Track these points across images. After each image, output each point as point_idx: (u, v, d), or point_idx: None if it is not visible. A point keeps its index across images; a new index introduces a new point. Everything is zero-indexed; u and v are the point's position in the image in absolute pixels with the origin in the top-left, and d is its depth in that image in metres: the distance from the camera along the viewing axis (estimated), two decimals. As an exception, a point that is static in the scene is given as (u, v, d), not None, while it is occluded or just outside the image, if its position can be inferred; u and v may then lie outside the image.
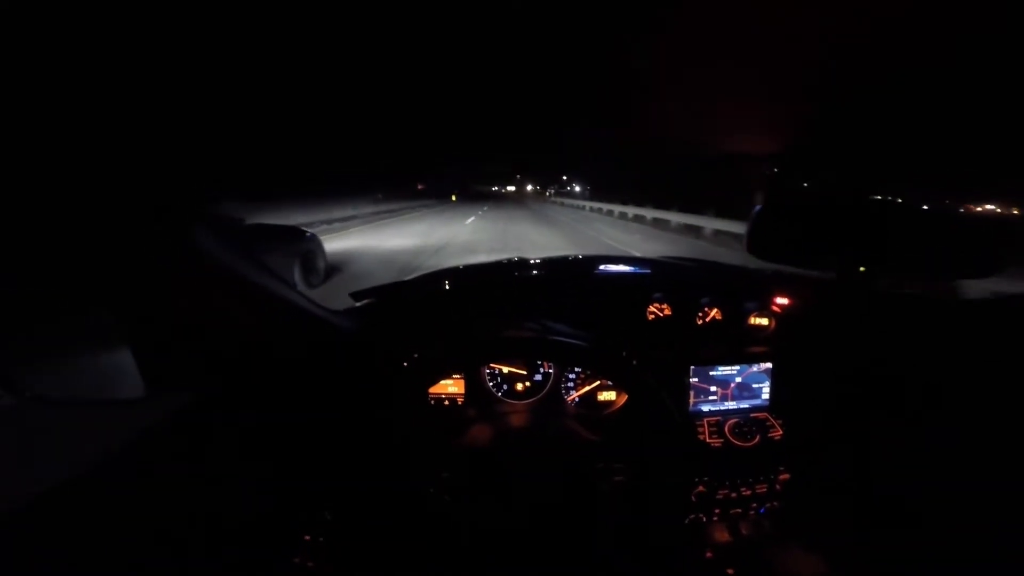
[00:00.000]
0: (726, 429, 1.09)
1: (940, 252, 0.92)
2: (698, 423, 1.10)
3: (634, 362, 0.88)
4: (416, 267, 7.17)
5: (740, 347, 1.15)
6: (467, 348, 0.90)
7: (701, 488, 1.06)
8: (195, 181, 0.66)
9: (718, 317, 1.19)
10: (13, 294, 0.61)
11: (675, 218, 15.40)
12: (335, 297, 1.21)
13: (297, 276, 5.22)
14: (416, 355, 0.88)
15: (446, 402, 1.06)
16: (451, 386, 1.06)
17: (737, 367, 1.12)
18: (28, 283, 0.58)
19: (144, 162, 0.55)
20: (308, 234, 5.67)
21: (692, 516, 1.06)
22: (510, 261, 1.56)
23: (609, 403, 1.08)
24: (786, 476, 1.10)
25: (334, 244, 8.37)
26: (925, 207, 0.92)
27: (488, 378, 1.07)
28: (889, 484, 1.07)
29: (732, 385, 1.13)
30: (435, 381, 1.00)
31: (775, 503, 1.10)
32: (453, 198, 38.89)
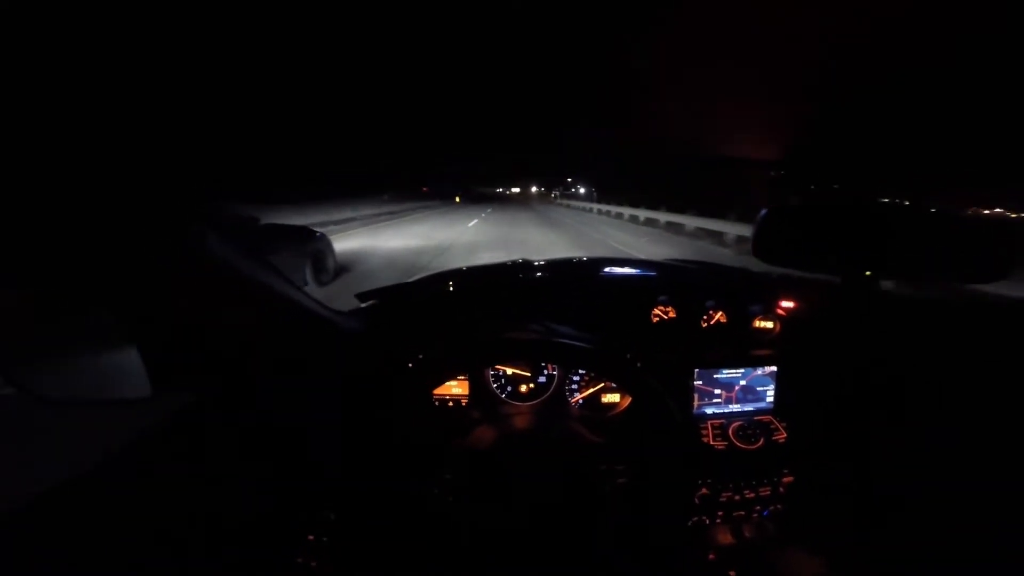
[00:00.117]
0: (730, 432, 1.09)
1: (946, 256, 0.91)
2: (702, 426, 1.09)
3: (638, 364, 0.88)
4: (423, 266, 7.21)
5: (745, 350, 1.15)
6: (471, 349, 0.90)
7: (704, 490, 1.05)
8: (197, 182, 0.66)
9: (723, 320, 1.19)
10: (17, 294, 0.61)
11: (692, 222, 14.25)
12: (337, 297, 1.21)
13: (308, 274, 5.40)
14: (420, 356, 0.88)
15: (450, 403, 1.06)
16: (455, 387, 1.06)
17: (741, 370, 1.12)
18: (32, 283, 0.58)
19: (148, 163, 0.55)
20: (318, 234, 5.85)
21: (695, 518, 1.06)
22: (514, 263, 1.56)
23: (613, 405, 1.07)
24: (790, 479, 1.09)
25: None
26: (931, 210, 0.91)
27: (492, 379, 1.07)
28: (890, 484, 1.06)
29: (736, 388, 1.12)
30: (439, 382, 1.00)
31: (779, 506, 1.10)
32: (457, 200, 38.93)
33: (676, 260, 1.60)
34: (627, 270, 1.34)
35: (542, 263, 1.47)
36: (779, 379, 1.13)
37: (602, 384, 1.08)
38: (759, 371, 1.13)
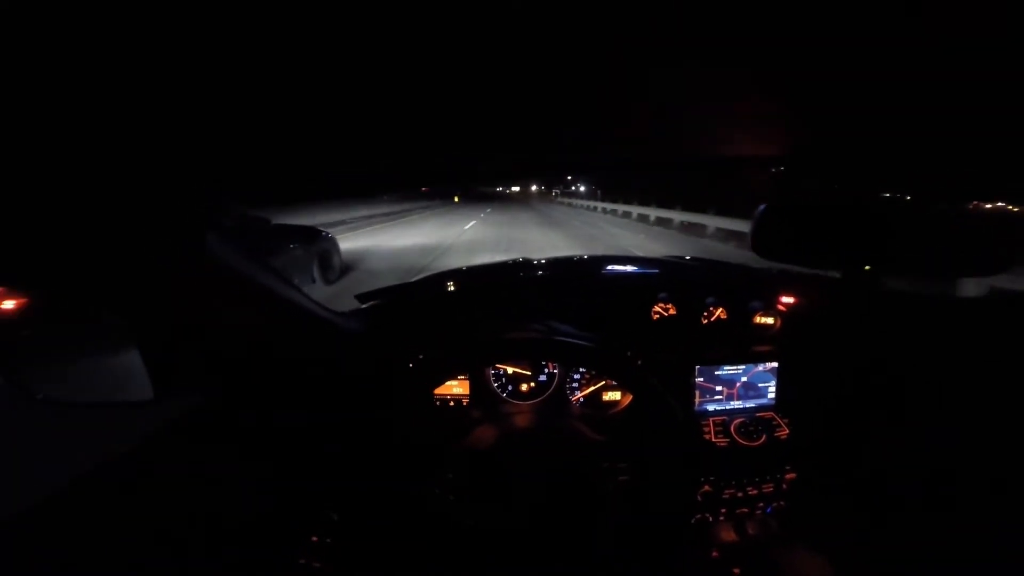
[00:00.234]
0: (732, 429, 1.09)
1: (947, 250, 0.91)
2: (704, 423, 1.09)
3: (639, 362, 0.88)
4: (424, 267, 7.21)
5: (745, 347, 1.15)
6: (472, 349, 0.91)
7: (707, 488, 1.06)
8: (207, 184, 0.66)
9: (723, 317, 1.19)
10: (23, 298, 0.61)
11: (714, 222, 12.52)
12: (339, 296, 1.21)
13: (316, 272, 5.57)
14: (421, 356, 0.88)
15: (451, 403, 1.07)
16: (456, 387, 1.06)
17: (742, 367, 1.12)
18: (35, 284, 0.59)
19: (152, 166, 0.55)
20: (325, 234, 6.02)
21: (698, 516, 1.06)
22: (515, 262, 1.56)
23: (614, 403, 1.08)
24: (792, 475, 1.09)
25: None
26: (931, 204, 0.91)
27: (493, 379, 1.07)
28: (890, 484, 1.06)
29: (738, 385, 1.12)
30: (440, 382, 1.00)
31: (781, 503, 1.10)
32: (456, 199, 38.88)
33: (675, 257, 1.60)
34: (627, 268, 1.34)
35: (542, 262, 1.48)
36: (780, 375, 1.13)
37: (603, 382, 1.08)
38: (760, 367, 1.13)
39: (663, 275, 1.35)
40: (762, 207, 0.94)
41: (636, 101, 0.61)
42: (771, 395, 1.13)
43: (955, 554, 0.95)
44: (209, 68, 0.40)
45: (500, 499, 0.82)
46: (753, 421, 1.10)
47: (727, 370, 1.11)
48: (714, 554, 1.02)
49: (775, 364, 1.13)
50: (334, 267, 6.16)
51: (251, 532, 0.82)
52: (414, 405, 0.86)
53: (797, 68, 0.51)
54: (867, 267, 0.95)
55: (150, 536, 0.72)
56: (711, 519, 1.07)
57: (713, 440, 1.08)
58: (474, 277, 1.45)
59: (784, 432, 1.10)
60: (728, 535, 1.05)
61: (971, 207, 1.01)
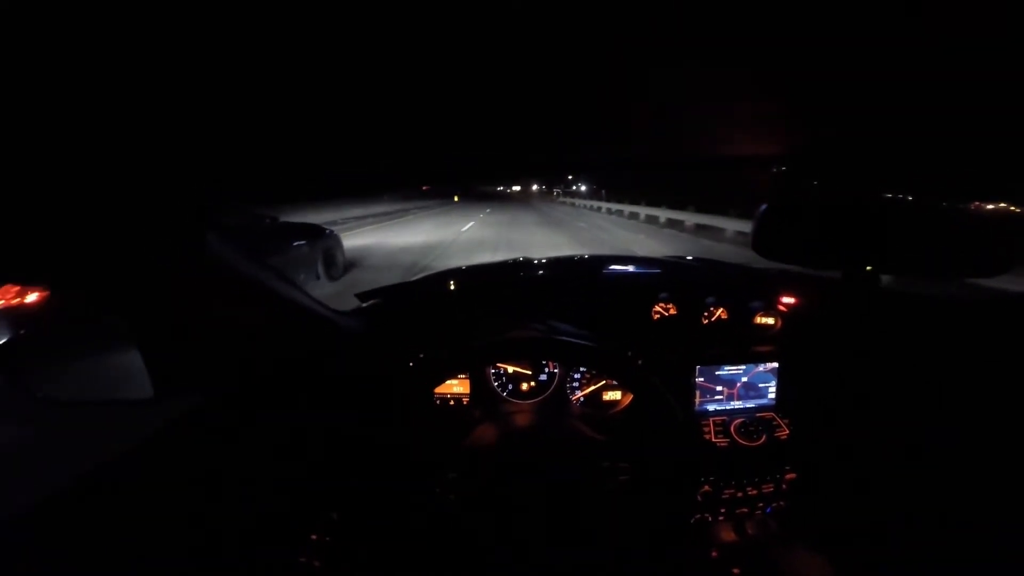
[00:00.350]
0: (732, 429, 1.09)
1: (947, 250, 0.91)
2: (704, 423, 1.09)
3: (639, 362, 0.88)
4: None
5: (746, 347, 1.15)
6: (472, 348, 0.91)
7: (707, 488, 1.06)
8: (212, 184, 0.66)
9: (724, 317, 1.19)
10: (25, 297, 0.61)
11: (732, 225, 11.57)
12: (343, 294, 1.21)
13: (320, 268, 5.64)
14: (422, 355, 0.88)
15: (451, 402, 1.07)
16: (456, 386, 1.06)
17: (743, 367, 1.12)
18: (37, 284, 0.59)
19: (152, 166, 0.55)
20: (329, 231, 6.09)
21: (698, 516, 1.06)
22: (515, 261, 1.56)
23: (614, 403, 1.08)
24: (792, 476, 1.09)
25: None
26: (931, 205, 0.91)
27: (493, 378, 1.07)
28: (889, 484, 1.06)
29: (738, 385, 1.12)
30: (441, 381, 1.00)
31: (781, 503, 1.09)
32: (456, 199, 38.87)
33: (676, 257, 1.60)
34: (627, 267, 1.34)
35: (542, 261, 1.48)
36: (781, 375, 1.13)
37: (603, 382, 1.08)
38: (761, 367, 1.13)
39: (663, 275, 1.35)
40: (762, 207, 0.94)
41: (636, 101, 0.61)
42: (771, 395, 1.13)
43: (955, 554, 0.95)
44: (209, 68, 0.40)
45: (500, 498, 0.82)
46: (753, 421, 1.10)
47: (727, 370, 1.11)
48: (714, 554, 1.02)
49: (775, 364, 1.13)
50: (337, 264, 6.25)
51: (251, 532, 0.82)
52: (414, 404, 0.86)
53: (797, 68, 0.51)
54: (867, 267, 0.95)
55: (150, 536, 0.72)
56: (711, 519, 1.06)
57: (713, 440, 1.08)
58: (474, 276, 1.45)
59: (784, 432, 1.10)
60: (728, 535, 1.05)
61: (972, 207, 1.01)
